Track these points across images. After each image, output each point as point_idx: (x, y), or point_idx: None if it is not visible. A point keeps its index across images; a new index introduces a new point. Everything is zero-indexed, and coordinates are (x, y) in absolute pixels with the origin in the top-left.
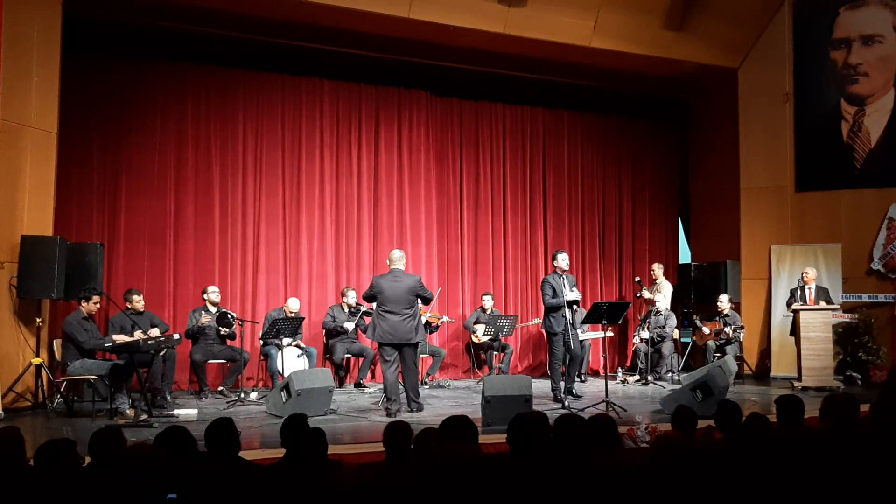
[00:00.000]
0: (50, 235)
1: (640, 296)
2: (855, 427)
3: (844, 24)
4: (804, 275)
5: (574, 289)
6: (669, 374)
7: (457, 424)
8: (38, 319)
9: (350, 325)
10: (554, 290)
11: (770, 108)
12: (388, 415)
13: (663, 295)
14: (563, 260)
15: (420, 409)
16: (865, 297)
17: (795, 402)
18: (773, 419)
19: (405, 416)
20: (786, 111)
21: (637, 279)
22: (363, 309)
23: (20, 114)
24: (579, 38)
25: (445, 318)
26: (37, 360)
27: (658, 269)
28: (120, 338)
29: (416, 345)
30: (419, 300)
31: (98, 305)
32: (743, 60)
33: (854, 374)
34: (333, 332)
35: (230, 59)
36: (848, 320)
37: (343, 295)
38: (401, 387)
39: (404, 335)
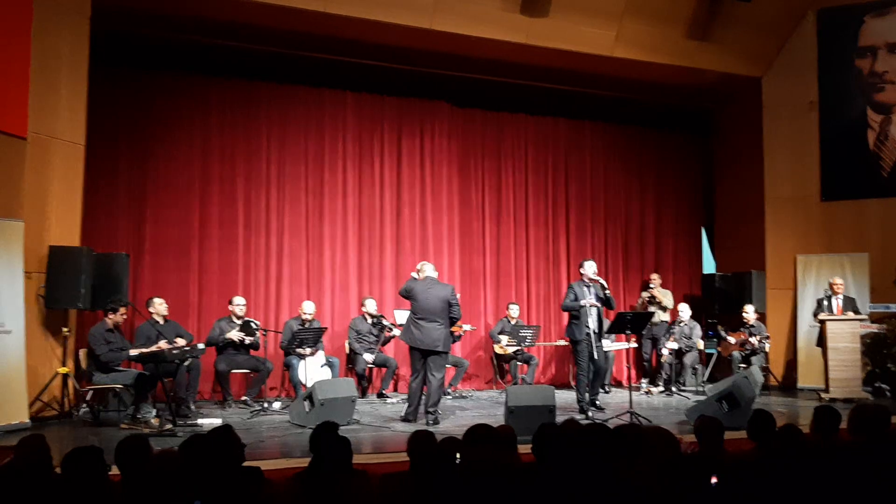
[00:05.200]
0: (77, 246)
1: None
2: (886, 438)
3: (870, 31)
4: (833, 285)
5: (607, 296)
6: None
7: (494, 434)
8: (64, 329)
9: (370, 357)
10: (576, 297)
11: (795, 116)
12: (404, 420)
13: (664, 305)
14: (589, 268)
15: (436, 422)
16: (894, 307)
17: (832, 413)
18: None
19: (424, 426)
20: (811, 120)
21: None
22: (385, 323)
23: (49, 126)
24: (602, 48)
25: (467, 327)
26: (63, 370)
27: (654, 275)
28: (138, 350)
29: (443, 354)
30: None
31: (125, 317)
32: (767, 69)
33: (883, 386)
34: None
35: (254, 72)
36: (876, 331)
37: (363, 305)
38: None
39: (432, 342)
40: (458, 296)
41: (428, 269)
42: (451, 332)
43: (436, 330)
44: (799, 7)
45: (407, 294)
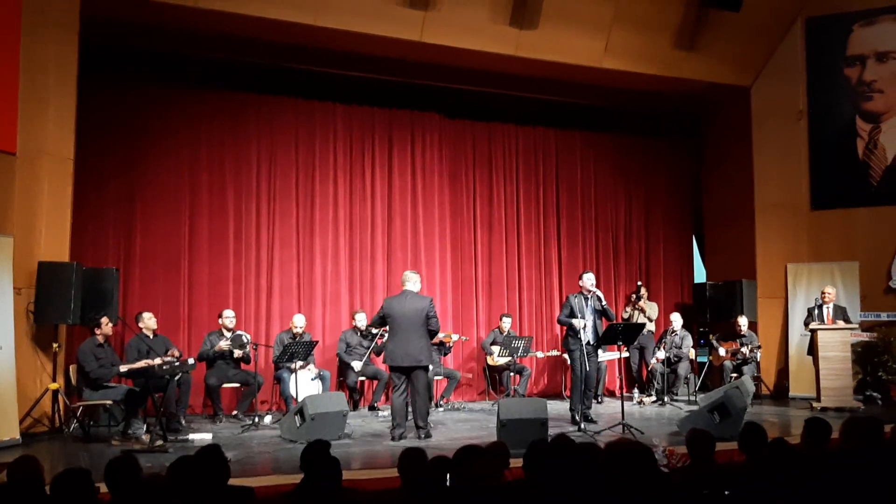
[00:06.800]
0: (66, 261)
1: (630, 311)
2: (878, 449)
3: (858, 40)
4: (824, 294)
5: (604, 307)
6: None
7: (485, 455)
8: (54, 345)
9: (358, 365)
10: (572, 310)
11: (784, 125)
12: (392, 439)
13: (648, 316)
14: (587, 280)
15: (427, 436)
16: (884, 316)
17: (822, 425)
18: (790, 441)
19: (415, 441)
20: (800, 128)
21: (639, 283)
22: (375, 332)
23: (37, 141)
24: (591, 59)
25: (456, 337)
26: (53, 386)
27: (643, 290)
28: (126, 366)
29: (425, 368)
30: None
31: (111, 327)
32: (756, 78)
33: (874, 394)
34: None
35: (244, 84)
36: (867, 339)
37: (353, 318)
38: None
39: (414, 357)
40: (438, 308)
41: (408, 283)
42: (443, 343)
43: (414, 344)
44: (787, 16)
45: (381, 321)
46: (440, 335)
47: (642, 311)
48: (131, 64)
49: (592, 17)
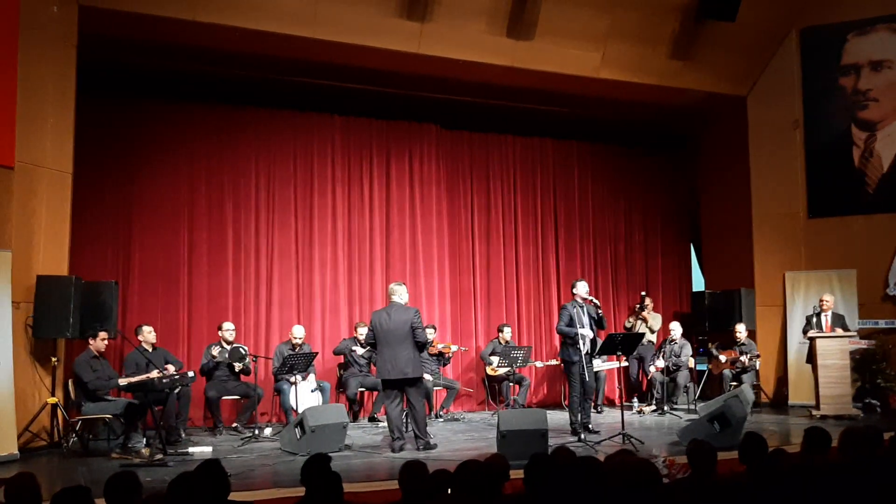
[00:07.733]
0: (65, 275)
1: (633, 321)
2: (876, 460)
3: (853, 50)
4: (822, 302)
5: (599, 315)
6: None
7: (485, 469)
8: (53, 359)
9: (360, 350)
10: (571, 319)
11: (780, 134)
12: (392, 451)
13: (650, 327)
14: (582, 288)
15: (427, 447)
16: (882, 323)
17: (822, 434)
18: (790, 449)
19: (415, 453)
20: (796, 138)
21: (643, 294)
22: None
23: (35, 155)
24: (587, 70)
25: (455, 348)
26: (52, 400)
27: (647, 301)
28: (125, 380)
29: (417, 380)
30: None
31: (105, 342)
32: (751, 88)
33: (873, 402)
34: (346, 363)
35: (241, 98)
36: (865, 347)
37: (355, 329)
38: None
39: (401, 370)
40: (424, 320)
41: (395, 296)
42: (442, 353)
43: (401, 356)
44: (782, 26)
45: (372, 338)
46: (439, 346)
47: (645, 321)
48: (129, 78)
49: (588, 28)
